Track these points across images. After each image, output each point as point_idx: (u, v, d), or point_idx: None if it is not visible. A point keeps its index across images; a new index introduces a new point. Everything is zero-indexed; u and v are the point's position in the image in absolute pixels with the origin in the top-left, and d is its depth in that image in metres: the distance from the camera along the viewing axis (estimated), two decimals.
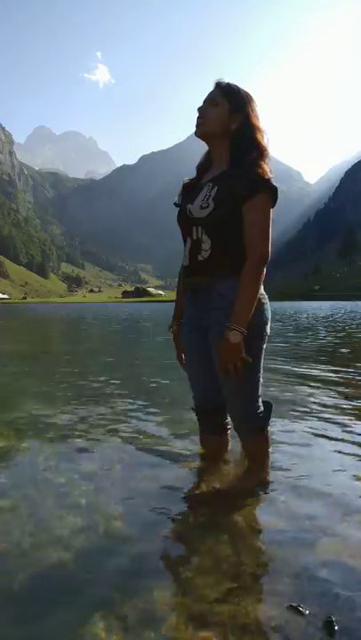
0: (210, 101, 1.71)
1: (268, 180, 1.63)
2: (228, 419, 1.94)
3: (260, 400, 1.84)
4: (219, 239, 1.67)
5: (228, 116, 1.68)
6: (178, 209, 1.82)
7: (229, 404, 1.84)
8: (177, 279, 2.02)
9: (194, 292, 1.79)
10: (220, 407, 1.90)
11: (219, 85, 1.72)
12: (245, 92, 1.73)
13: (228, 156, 1.72)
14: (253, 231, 1.63)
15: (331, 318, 18.08)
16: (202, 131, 1.72)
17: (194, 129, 1.77)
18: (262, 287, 1.70)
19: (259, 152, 1.67)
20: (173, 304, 2.02)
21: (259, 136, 1.69)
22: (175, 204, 1.85)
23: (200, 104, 1.75)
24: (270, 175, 1.64)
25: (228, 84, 1.72)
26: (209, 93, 1.73)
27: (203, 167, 1.82)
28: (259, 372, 1.76)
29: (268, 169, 1.64)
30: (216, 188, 1.66)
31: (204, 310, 1.75)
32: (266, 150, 1.68)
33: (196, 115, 1.73)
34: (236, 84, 1.74)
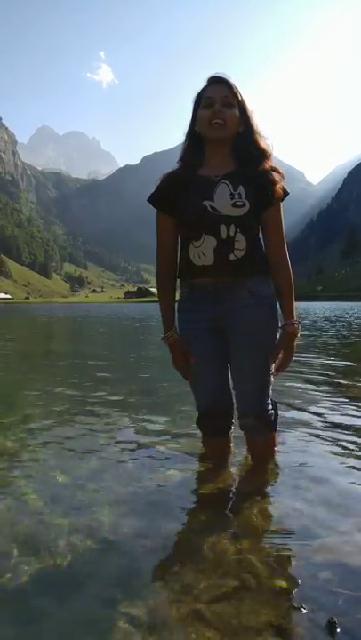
0: (225, 102, 1.68)
1: (286, 190, 1.74)
2: (233, 419, 1.92)
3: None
4: (252, 238, 1.71)
5: (239, 119, 1.70)
6: (186, 205, 1.70)
7: (247, 401, 1.82)
8: (166, 282, 1.85)
9: (215, 292, 1.73)
10: (230, 409, 1.88)
11: (229, 85, 1.70)
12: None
13: (230, 156, 1.74)
14: (278, 233, 1.75)
15: (343, 319, 18.06)
16: (225, 134, 1.69)
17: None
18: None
19: (264, 156, 1.72)
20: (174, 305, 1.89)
21: (260, 139, 1.73)
22: (162, 199, 1.78)
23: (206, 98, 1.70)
24: (284, 180, 1.74)
25: (234, 85, 1.71)
26: (218, 88, 1.69)
27: (194, 163, 1.77)
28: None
29: (282, 172, 1.74)
30: (242, 187, 1.66)
31: (229, 310, 1.73)
32: (271, 153, 1.74)
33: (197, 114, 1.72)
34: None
